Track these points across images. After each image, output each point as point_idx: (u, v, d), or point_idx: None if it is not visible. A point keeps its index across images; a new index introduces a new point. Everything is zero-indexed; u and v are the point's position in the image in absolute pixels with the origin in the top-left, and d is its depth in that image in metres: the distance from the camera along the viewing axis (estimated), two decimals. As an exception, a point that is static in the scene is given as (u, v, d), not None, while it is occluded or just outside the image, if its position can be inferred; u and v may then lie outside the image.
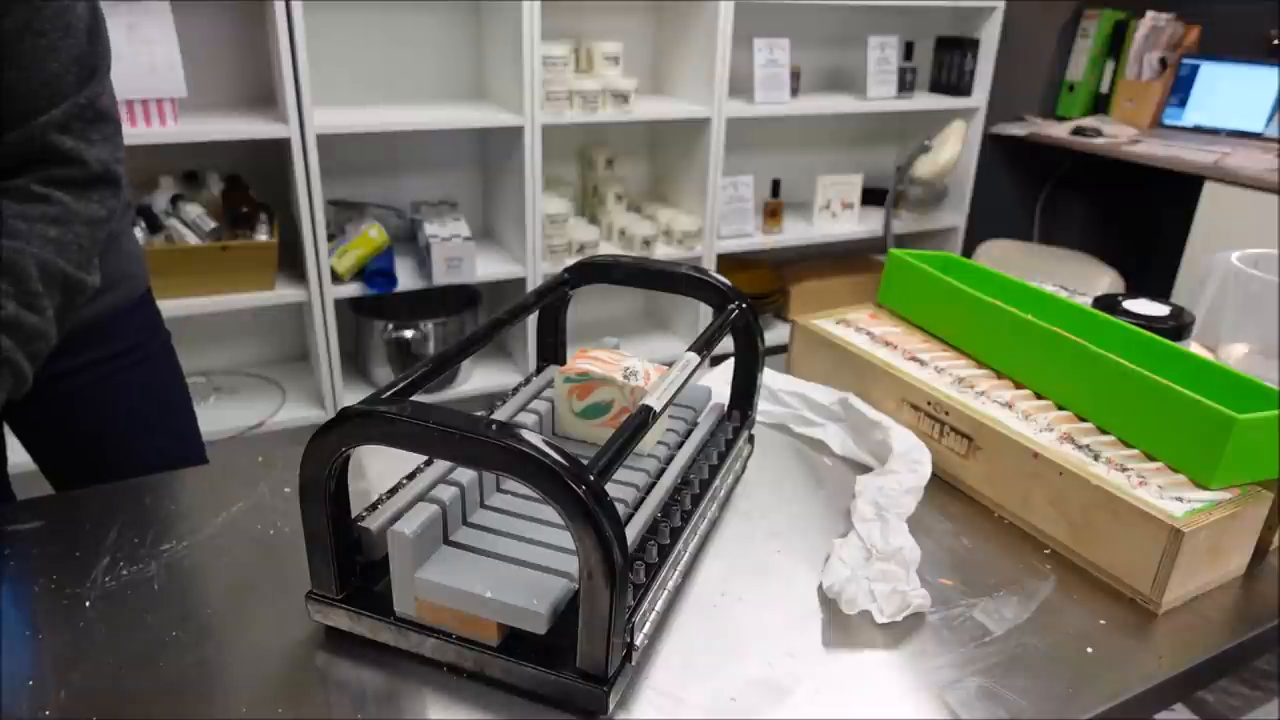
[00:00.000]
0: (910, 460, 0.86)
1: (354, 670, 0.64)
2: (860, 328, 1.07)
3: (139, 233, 1.95)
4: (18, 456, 1.06)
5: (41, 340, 0.77)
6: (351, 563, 0.65)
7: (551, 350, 0.93)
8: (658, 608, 0.66)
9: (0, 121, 0.76)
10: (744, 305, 0.83)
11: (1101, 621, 0.72)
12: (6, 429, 1.04)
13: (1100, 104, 3.25)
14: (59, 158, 0.78)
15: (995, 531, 0.84)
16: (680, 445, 0.81)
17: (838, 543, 0.77)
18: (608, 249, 2.53)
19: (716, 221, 2.59)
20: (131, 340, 1.03)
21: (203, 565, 0.74)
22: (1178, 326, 1.07)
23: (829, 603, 0.72)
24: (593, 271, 0.89)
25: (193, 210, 2.03)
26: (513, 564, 0.64)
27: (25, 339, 0.75)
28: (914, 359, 0.99)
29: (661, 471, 0.76)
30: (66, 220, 0.78)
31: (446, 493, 0.66)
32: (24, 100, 0.76)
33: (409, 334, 2.32)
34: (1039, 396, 0.91)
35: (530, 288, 2.20)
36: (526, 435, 0.54)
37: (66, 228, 0.78)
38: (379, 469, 0.88)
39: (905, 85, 2.79)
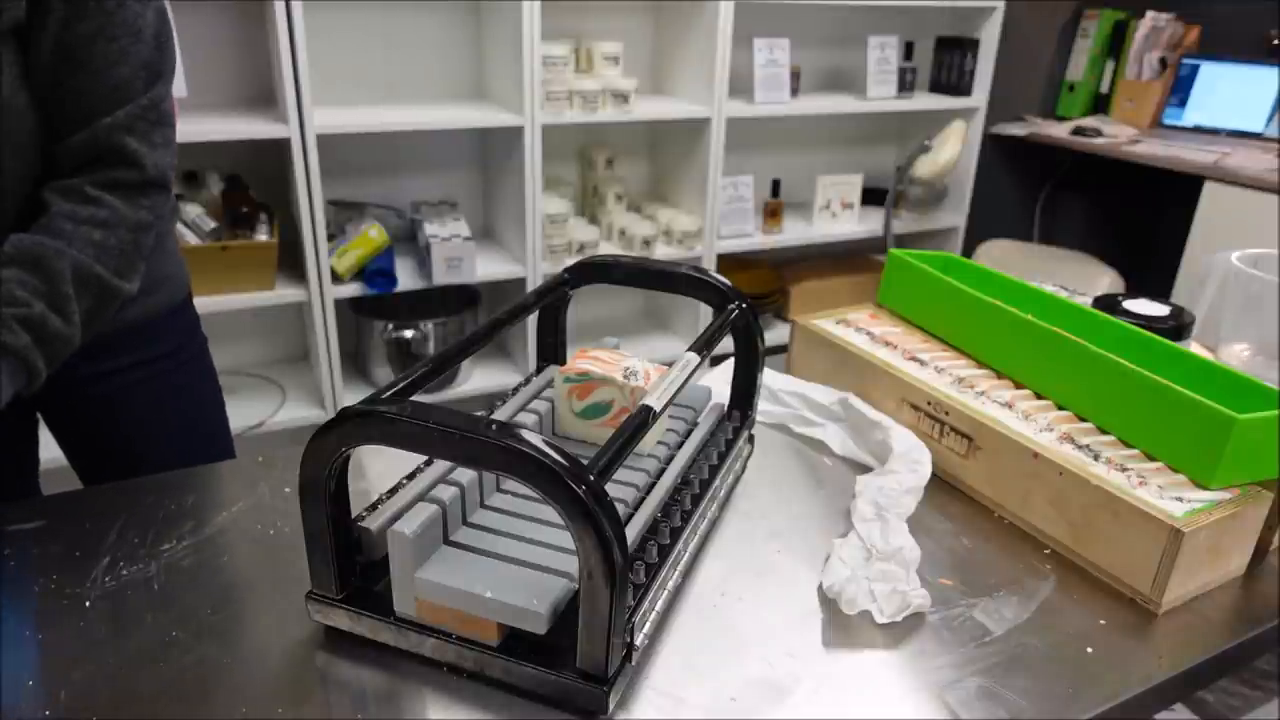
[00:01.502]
0: (910, 460, 0.86)
1: (354, 670, 0.64)
2: (860, 328, 1.07)
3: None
4: (46, 452, 1.06)
5: (63, 344, 0.77)
6: (351, 563, 0.65)
7: (551, 350, 0.93)
8: (658, 608, 0.66)
9: (66, 123, 0.77)
10: (744, 305, 0.83)
11: (1101, 621, 0.72)
12: (43, 429, 1.05)
13: (1100, 104, 3.25)
14: (120, 159, 0.79)
15: (995, 531, 0.84)
16: (680, 445, 0.81)
17: (838, 543, 0.77)
18: (608, 249, 2.53)
19: (716, 221, 2.59)
20: (173, 343, 1.04)
21: (203, 565, 0.74)
22: (1178, 326, 1.07)
23: (829, 603, 0.72)
24: (593, 271, 0.89)
25: (193, 210, 2.03)
26: (513, 564, 0.64)
27: (46, 339, 0.75)
28: (914, 359, 0.99)
29: (661, 471, 0.76)
30: (113, 225, 0.79)
31: (446, 493, 0.66)
32: (91, 103, 0.77)
33: (409, 334, 2.32)
34: (1039, 396, 0.91)
35: (530, 288, 2.20)
36: (526, 435, 0.54)
37: (111, 232, 0.79)
38: (379, 469, 0.88)
39: (905, 85, 2.79)
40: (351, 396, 2.26)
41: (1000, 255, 2.98)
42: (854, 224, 2.87)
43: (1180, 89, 3.08)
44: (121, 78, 0.78)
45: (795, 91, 2.66)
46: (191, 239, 2.00)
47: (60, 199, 0.78)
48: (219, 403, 1.13)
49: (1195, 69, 3.04)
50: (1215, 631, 0.73)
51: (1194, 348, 1.04)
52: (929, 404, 0.91)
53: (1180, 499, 0.75)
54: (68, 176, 0.79)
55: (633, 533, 0.66)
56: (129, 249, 0.81)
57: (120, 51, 0.77)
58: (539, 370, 0.92)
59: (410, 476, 0.72)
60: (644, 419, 0.63)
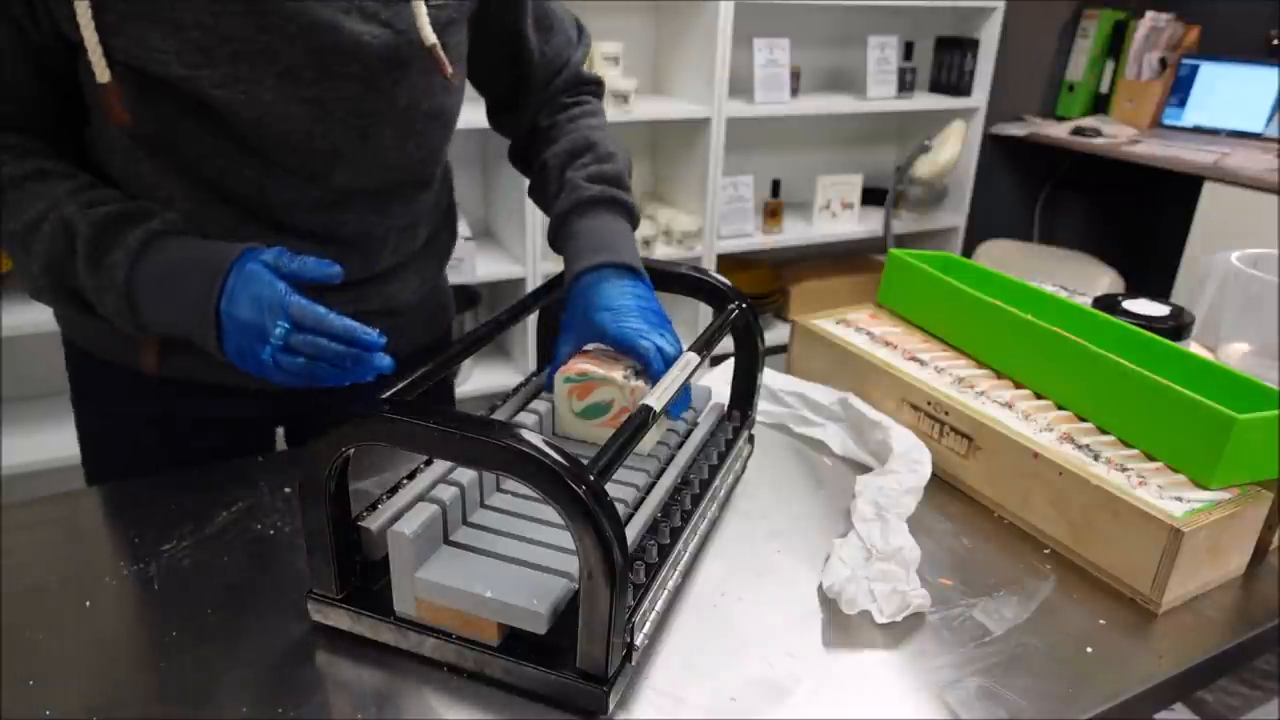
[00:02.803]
0: (910, 460, 0.86)
1: (354, 670, 0.64)
2: (860, 328, 1.07)
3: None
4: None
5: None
6: (351, 563, 0.65)
7: (551, 350, 0.93)
8: (658, 608, 0.66)
9: (546, 74, 0.94)
10: (744, 305, 0.83)
11: (1101, 621, 0.72)
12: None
13: (1100, 104, 3.25)
14: (589, 79, 0.99)
15: (995, 531, 0.84)
16: (680, 445, 0.81)
17: (838, 543, 0.77)
18: (608, 249, 2.52)
19: (716, 221, 2.59)
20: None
21: (203, 565, 0.74)
22: (1178, 326, 1.07)
23: (829, 603, 0.72)
24: (593, 271, 0.89)
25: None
26: (513, 564, 0.64)
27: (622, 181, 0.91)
28: (914, 359, 0.99)
29: (661, 471, 0.76)
30: (599, 112, 0.98)
31: (446, 493, 0.66)
32: (564, 50, 0.95)
33: (409, 334, 2.32)
34: (1039, 396, 0.91)
35: (530, 288, 2.20)
36: (526, 435, 0.54)
37: (600, 117, 0.97)
38: (379, 469, 0.88)
39: (905, 85, 2.79)
40: (351, 396, 2.26)
41: (1000, 255, 2.98)
42: (854, 224, 2.87)
43: (1180, 89, 3.08)
44: (568, 25, 0.96)
45: (795, 91, 2.66)
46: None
47: (551, 115, 0.95)
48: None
49: (1195, 69, 3.04)
50: (1215, 631, 0.73)
51: (1194, 348, 1.04)
52: (929, 404, 0.91)
53: (1180, 499, 0.75)
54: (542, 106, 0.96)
55: (633, 533, 0.66)
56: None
57: (555, 7, 0.94)
58: (539, 370, 0.92)
59: (410, 476, 0.72)
60: (644, 419, 0.63)
